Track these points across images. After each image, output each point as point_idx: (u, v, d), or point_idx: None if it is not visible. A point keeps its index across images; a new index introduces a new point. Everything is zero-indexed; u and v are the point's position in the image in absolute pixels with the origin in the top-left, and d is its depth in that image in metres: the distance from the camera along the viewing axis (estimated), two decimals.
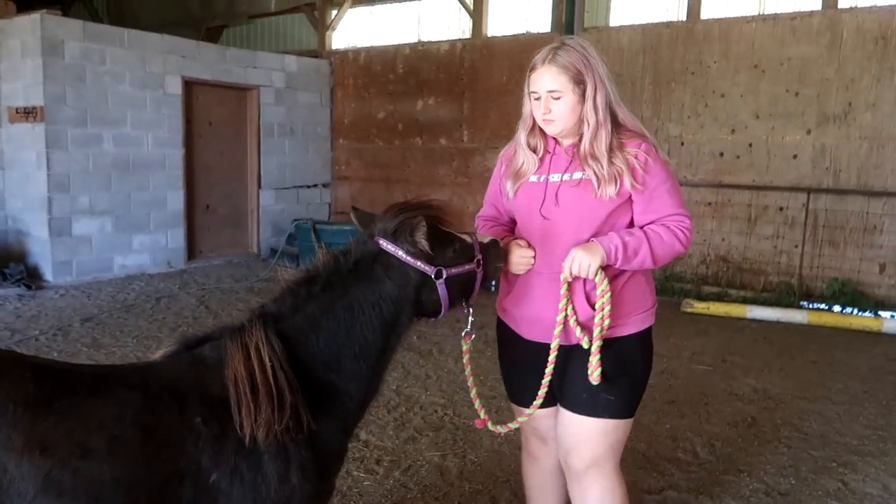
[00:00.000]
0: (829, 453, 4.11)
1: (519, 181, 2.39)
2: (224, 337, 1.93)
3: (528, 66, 2.32)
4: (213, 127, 10.05)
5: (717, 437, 4.31)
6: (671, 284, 8.39)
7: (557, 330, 2.27)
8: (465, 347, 2.41)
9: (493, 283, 2.40)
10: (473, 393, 2.47)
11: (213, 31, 13.51)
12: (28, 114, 8.12)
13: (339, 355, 1.98)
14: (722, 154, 8.38)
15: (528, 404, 2.39)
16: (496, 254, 2.27)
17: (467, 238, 2.20)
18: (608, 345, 2.28)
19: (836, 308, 7.61)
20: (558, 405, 2.42)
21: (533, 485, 2.72)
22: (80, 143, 8.36)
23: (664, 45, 8.63)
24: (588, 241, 2.23)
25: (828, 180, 7.79)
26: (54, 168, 8.15)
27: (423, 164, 10.83)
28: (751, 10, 8.36)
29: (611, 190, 2.22)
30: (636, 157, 2.23)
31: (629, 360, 2.36)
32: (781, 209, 8.06)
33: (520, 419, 2.46)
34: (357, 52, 11.43)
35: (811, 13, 7.82)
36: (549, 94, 2.24)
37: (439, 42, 10.64)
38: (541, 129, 2.36)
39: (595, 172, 2.23)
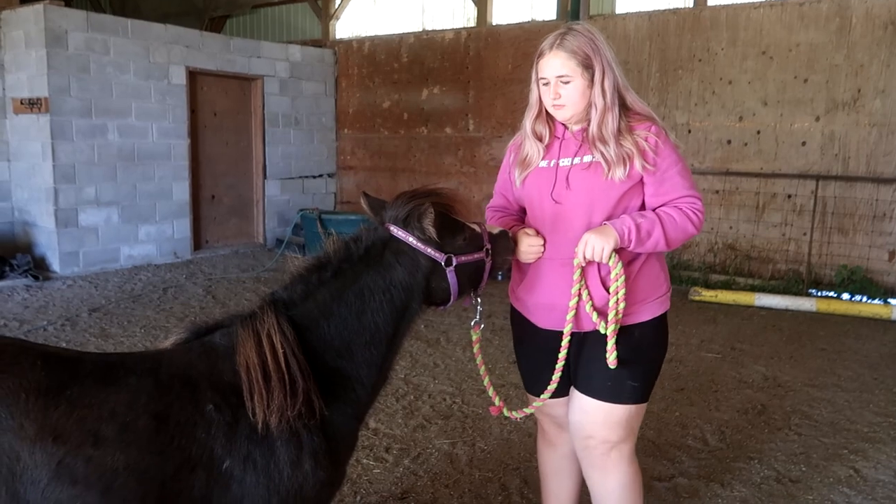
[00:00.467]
0: (839, 440, 4.09)
1: (527, 168, 2.39)
2: (235, 324, 1.93)
3: (533, 55, 2.31)
4: (217, 117, 10.03)
5: (727, 424, 4.29)
6: (679, 272, 8.35)
7: (570, 315, 2.26)
8: (474, 337, 2.41)
9: (500, 273, 2.39)
10: (487, 381, 2.48)
11: (217, 21, 13.47)
12: (33, 105, 8.11)
13: (349, 342, 1.98)
14: (729, 141, 8.33)
15: (542, 393, 2.38)
16: (505, 244, 2.27)
17: (477, 227, 2.20)
18: (626, 332, 2.27)
19: (846, 296, 7.56)
20: (578, 393, 2.40)
21: (549, 470, 2.72)
22: (85, 133, 8.35)
23: (671, 32, 8.56)
24: (601, 224, 2.22)
25: (837, 167, 7.73)
26: (60, 159, 8.14)
27: (428, 153, 10.79)
28: None
29: (620, 172, 2.21)
30: (646, 140, 2.23)
31: (647, 346, 2.36)
32: (790, 197, 8.01)
33: (535, 404, 2.47)
34: (361, 41, 11.37)
35: None
36: (559, 80, 2.24)
37: (444, 31, 10.58)
38: (548, 116, 2.36)
39: (603, 155, 2.22)
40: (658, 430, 4.13)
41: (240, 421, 1.80)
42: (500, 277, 2.36)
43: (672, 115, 8.57)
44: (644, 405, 2.41)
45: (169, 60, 9.11)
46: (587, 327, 2.29)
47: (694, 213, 2.27)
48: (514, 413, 2.48)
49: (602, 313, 2.24)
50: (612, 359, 2.21)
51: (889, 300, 7.32)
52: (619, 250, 2.20)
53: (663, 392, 4.71)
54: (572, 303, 2.25)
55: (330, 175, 11.61)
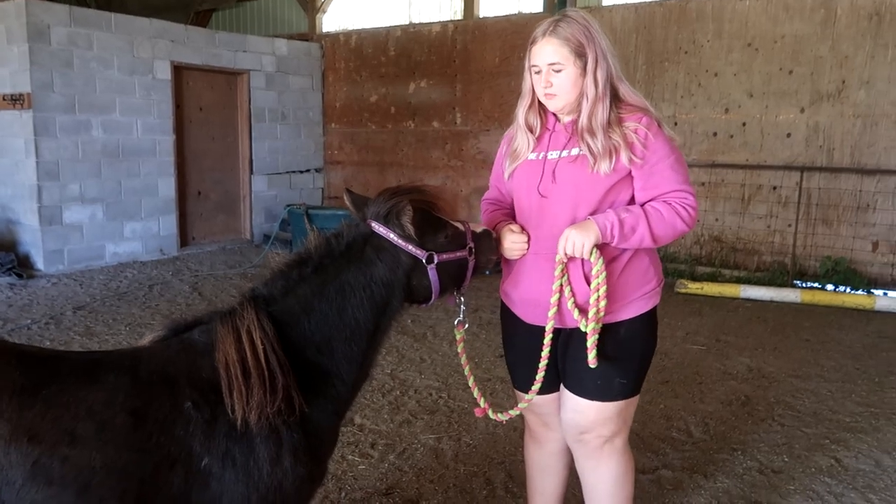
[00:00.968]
0: (822, 430, 4.13)
1: (517, 160, 2.35)
2: (214, 321, 1.92)
3: (521, 48, 2.30)
4: (203, 112, 9.96)
5: (711, 416, 4.32)
6: (665, 265, 8.38)
7: (551, 312, 2.23)
8: (458, 336, 2.39)
9: (488, 269, 2.38)
10: (471, 381, 2.45)
11: (202, 15, 13.37)
12: (15, 101, 8.03)
13: (330, 338, 1.97)
14: (715, 133, 8.36)
15: (529, 390, 2.37)
16: (488, 244, 2.26)
17: (460, 226, 2.19)
18: (612, 329, 2.24)
19: (830, 287, 7.63)
20: (568, 392, 2.38)
21: (535, 467, 2.70)
22: (68, 130, 8.27)
23: (657, 24, 8.57)
24: (585, 219, 2.18)
25: (821, 159, 7.78)
26: (43, 155, 8.07)
27: (416, 147, 10.77)
28: None
29: (605, 166, 2.16)
30: (635, 132, 2.17)
31: (635, 343, 2.33)
32: (775, 188, 8.06)
33: (520, 405, 2.44)
34: (348, 34, 11.32)
35: None
36: (550, 67, 2.19)
37: (431, 24, 10.54)
38: (540, 106, 2.32)
39: (590, 147, 2.18)
40: (643, 422, 4.15)
41: (219, 418, 1.79)
42: (487, 273, 2.35)
43: (658, 108, 8.54)
44: (636, 397, 2.40)
45: (153, 55, 9.04)
46: (570, 324, 2.25)
47: (684, 208, 2.18)
48: (499, 415, 2.45)
49: (584, 311, 2.20)
50: (591, 357, 2.18)
51: (872, 291, 7.39)
52: (602, 246, 2.16)
53: (648, 384, 4.70)
54: (553, 299, 2.21)
55: (317, 170, 11.57)
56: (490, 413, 2.44)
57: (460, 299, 2.29)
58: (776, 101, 7.96)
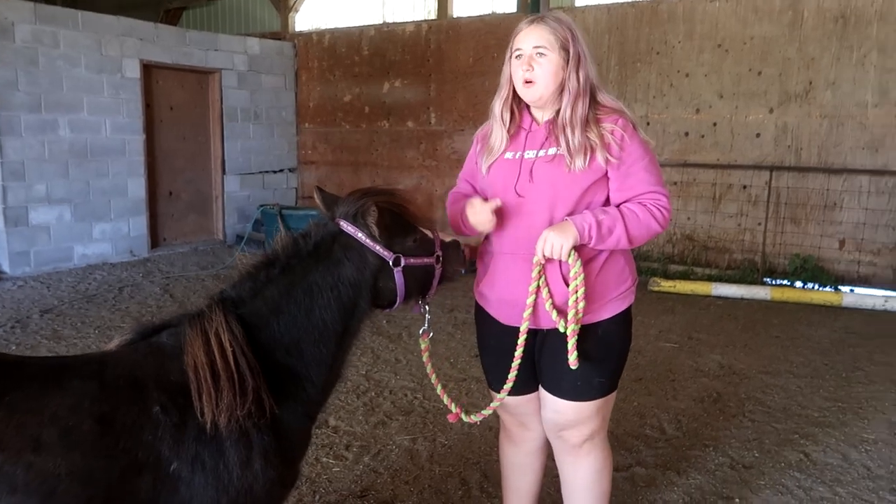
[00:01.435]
0: (791, 426, 4.20)
1: (493, 157, 2.34)
2: (182, 324, 1.89)
3: (494, 48, 2.31)
4: (174, 111, 9.82)
5: (684, 412, 4.37)
6: (638, 263, 8.33)
7: (527, 313, 2.23)
8: (423, 346, 2.38)
9: (464, 269, 2.37)
10: (439, 389, 2.47)
11: (173, 13, 13.19)
12: None
13: (299, 340, 1.96)
14: (687, 133, 8.46)
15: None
16: (456, 255, 2.26)
17: (429, 233, 2.19)
18: (590, 330, 2.25)
19: (798, 284, 7.77)
20: (547, 393, 2.39)
21: (510, 466, 2.70)
22: (34, 129, 8.10)
23: (629, 25, 8.64)
24: (562, 220, 2.19)
25: (790, 158, 7.92)
26: (8, 155, 7.89)
27: (390, 147, 10.74)
28: None
29: (580, 162, 2.16)
30: (612, 133, 2.18)
31: (612, 342, 2.35)
32: (745, 187, 8.18)
33: (492, 405, 2.44)
34: (321, 33, 11.25)
35: None
36: (535, 50, 2.20)
37: (405, 23, 10.52)
38: (516, 102, 2.31)
39: (567, 142, 2.18)
40: (616, 420, 4.18)
41: (188, 422, 1.76)
42: (463, 272, 2.35)
43: (631, 108, 8.44)
44: (614, 393, 2.43)
45: (122, 53, 8.89)
46: (545, 325, 2.25)
47: (658, 209, 2.21)
48: (472, 417, 2.46)
49: (562, 312, 2.20)
50: (572, 359, 2.18)
51: (839, 287, 7.54)
52: (579, 247, 2.16)
53: (622, 382, 4.68)
54: (530, 300, 2.21)
55: (291, 170, 11.48)
56: (463, 416, 2.45)
57: (425, 308, 2.27)
58: (746, 101, 8.08)
